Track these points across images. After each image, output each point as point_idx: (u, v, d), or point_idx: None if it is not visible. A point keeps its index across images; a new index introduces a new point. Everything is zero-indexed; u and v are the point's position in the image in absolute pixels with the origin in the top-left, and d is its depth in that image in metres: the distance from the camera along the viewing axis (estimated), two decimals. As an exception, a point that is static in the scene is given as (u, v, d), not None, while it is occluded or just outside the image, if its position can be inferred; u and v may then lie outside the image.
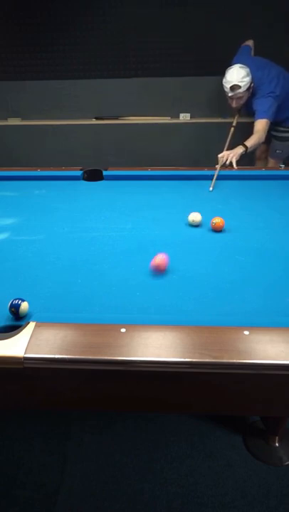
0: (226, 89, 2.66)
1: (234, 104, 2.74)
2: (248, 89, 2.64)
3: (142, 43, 3.46)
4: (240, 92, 2.62)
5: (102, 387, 1.07)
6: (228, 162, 2.41)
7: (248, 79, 2.59)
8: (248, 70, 2.60)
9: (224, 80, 2.64)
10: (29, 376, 1.02)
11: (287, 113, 2.84)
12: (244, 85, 2.59)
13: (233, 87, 2.60)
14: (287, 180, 2.26)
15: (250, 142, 2.54)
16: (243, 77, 2.57)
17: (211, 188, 2.18)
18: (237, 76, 2.57)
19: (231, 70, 2.61)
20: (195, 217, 1.77)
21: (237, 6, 3.22)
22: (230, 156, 2.42)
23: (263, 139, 2.63)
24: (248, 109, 2.83)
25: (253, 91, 2.69)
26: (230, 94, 2.66)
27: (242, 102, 2.72)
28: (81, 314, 1.19)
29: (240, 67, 2.60)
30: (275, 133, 3.00)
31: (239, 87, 2.59)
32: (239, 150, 2.46)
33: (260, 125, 2.62)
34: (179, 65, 3.53)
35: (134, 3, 3.30)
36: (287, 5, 3.21)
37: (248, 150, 2.52)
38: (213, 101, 3.63)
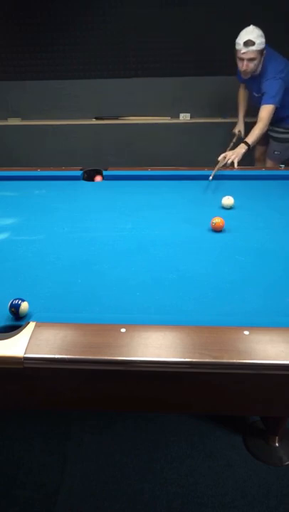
0: (238, 47, 2.52)
1: (244, 67, 2.56)
2: (261, 53, 2.52)
3: (142, 43, 3.46)
4: (252, 50, 2.48)
5: (102, 387, 1.07)
6: (229, 162, 2.40)
7: (262, 40, 2.48)
8: (262, 33, 2.50)
9: (237, 39, 2.51)
10: (29, 376, 1.02)
11: (286, 112, 2.82)
12: (258, 44, 2.47)
13: (247, 42, 2.46)
14: (287, 180, 2.26)
15: (251, 138, 2.50)
16: (258, 36, 2.47)
17: (210, 178, 2.17)
18: (252, 34, 2.47)
19: (246, 28, 2.51)
20: (229, 200, 1.92)
21: (237, 6, 3.22)
22: (232, 157, 2.40)
23: (266, 128, 2.57)
24: (254, 101, 2.76)
25: (262, 69, 2.59)
26: (243, 51, 2.50)
27: (252, 66, 2.55)
28: (81, 314, 1.19)
29: (255, 27, 2.49)
30: (273, 134, 2.97)
31: (253, 43, 2.46)
32: (241, 150, 2.44)
33: (266, 112, 2.55)
34: (179, 65, 3.53)
35: (134, 3, 3.31)
36: (287, 5, 3.21)
37: (251, 146, 2.49)
38: (213, 101, 3.63)
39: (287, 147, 3.00)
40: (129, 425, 1.84)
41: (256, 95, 2.74)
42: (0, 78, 3.70)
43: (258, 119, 2.57)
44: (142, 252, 1.56)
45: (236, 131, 3.08)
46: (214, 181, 2.22)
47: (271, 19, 3.23)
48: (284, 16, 3.25)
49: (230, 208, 1.93)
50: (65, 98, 3.73)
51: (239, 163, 2.42)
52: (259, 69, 2.62)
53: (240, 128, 3.08)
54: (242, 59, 2.55)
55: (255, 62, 2.55)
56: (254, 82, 2.71)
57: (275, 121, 2.82)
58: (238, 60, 2.60)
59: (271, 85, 2.56)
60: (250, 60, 2.54)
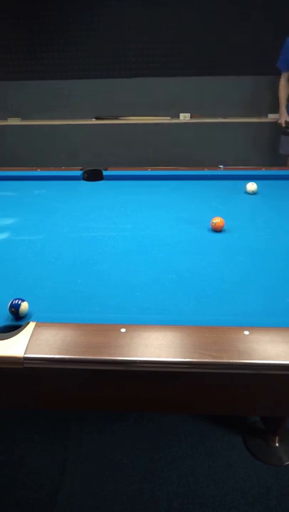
0: None
1: None
2: None
3: (142, 42, 3.47)
4: None
5: (102, 387, 1.07)
6: None
7: None
8: None
9: None
10: (29, 376, 1.02)
11: None
12: None
13: None
14: (287, 180, 2.26)
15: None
16: None
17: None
18: None
19: None
20: (252, 186, 2.07)
21: (237, 6, 3.22)
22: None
23: None
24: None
25: None
26: None
27: None
28: (81, 314, 1.19)
29: None
30: None
31: None
32: None
33: None
34: (179, 65, 3.53)
35: (134, 3, 3.31)
36: (287, 5, 3.21)
37: None
38: (213, 101, 3.63)
39: None
40: (129, 425, 1.84)
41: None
42: (0, 78, 3.70)
43: None
44: (142, 252, 1.56)
45: (282, 121, 3.21)
46: (214, 181, 2.22)
47: (271, 19, 3.25)
48: (283, 15, 3.25)
49: (254, 193, 2.07)
50: (65, 98, 3.73)
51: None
52: None
53: (285, 118, 3.21)
54: None
55: None
56: None
57: None
58: None
59: None
60: None
